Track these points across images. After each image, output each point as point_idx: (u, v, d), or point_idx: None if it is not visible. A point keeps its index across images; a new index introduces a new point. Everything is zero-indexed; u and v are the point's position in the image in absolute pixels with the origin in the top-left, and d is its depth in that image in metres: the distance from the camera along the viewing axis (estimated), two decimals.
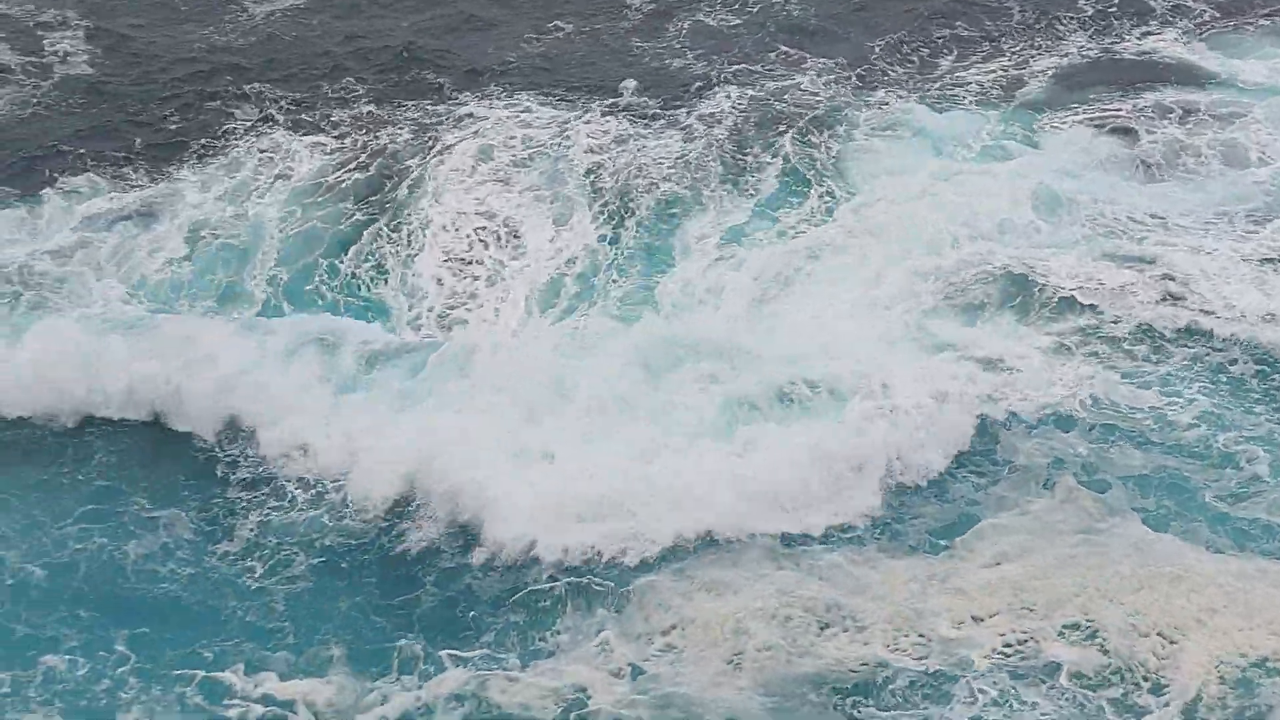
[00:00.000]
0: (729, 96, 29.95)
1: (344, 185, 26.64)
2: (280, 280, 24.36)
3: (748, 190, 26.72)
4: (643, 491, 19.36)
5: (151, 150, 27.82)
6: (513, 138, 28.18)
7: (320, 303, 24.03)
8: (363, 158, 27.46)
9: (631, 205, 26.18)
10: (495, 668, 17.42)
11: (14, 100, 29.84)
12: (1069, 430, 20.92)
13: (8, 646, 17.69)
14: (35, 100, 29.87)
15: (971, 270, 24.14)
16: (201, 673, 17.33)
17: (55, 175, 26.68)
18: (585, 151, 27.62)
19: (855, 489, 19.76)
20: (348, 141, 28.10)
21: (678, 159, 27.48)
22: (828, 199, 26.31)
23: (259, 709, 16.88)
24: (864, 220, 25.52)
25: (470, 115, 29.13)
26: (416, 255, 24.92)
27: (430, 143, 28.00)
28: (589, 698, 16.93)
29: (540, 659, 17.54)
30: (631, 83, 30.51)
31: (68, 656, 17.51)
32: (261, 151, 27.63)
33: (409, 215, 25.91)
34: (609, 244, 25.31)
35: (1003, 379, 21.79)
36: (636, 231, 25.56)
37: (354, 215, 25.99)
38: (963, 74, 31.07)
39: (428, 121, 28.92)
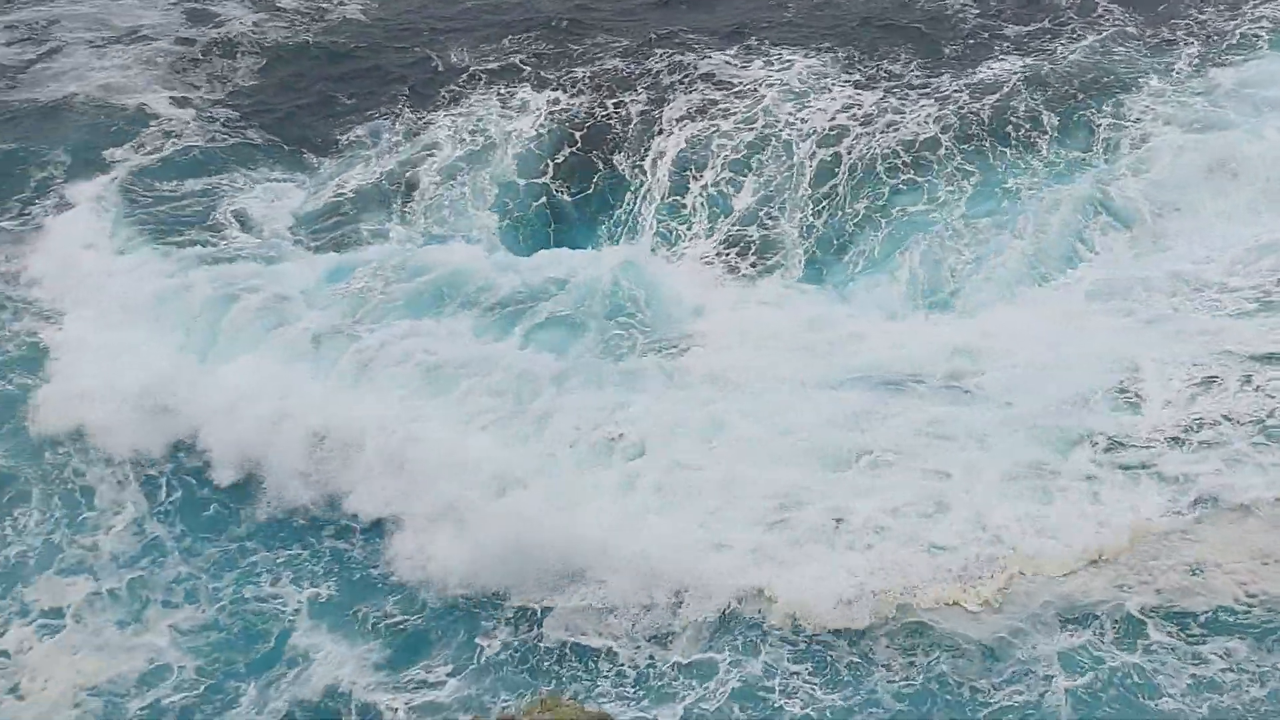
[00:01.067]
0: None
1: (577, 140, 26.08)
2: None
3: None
4: None
5: (406, 98, 27.94)
6: (748, 103, 26.85)
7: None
8: (597, 113, 26.78)
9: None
10: None
11: (287, 41, 30.39)
12: None
13: None
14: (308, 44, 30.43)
15: None
16: None
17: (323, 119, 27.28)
18: (827, 121, 26.07)
19: None
20: (582, 99, 27.35)
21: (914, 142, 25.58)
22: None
23: None
24: None
25: (710, 75, 27.96)
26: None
27: (664, 102, 26.98)
28: None
29: None
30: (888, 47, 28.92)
31: None
32: (503, 104, 27.28)
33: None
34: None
35: None
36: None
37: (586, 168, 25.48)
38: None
39: (668, 80, 27.87)
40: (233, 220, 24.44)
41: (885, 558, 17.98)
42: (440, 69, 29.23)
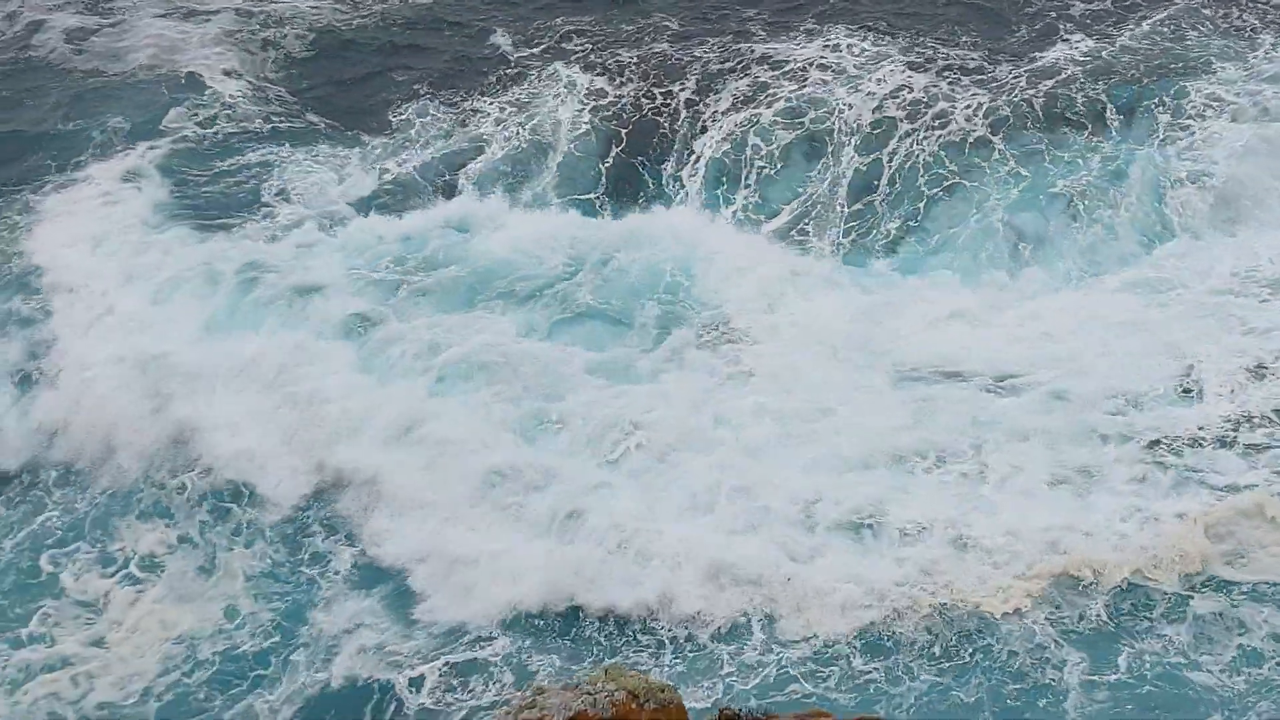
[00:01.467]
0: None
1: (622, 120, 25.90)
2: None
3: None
4: None
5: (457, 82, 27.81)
6: (796, 87, 26.32)
7: None
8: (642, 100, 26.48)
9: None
10: None
11: (344, 18, 30.45)
12: None
13: None
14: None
15: None
16: None
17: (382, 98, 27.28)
18: (872, 109, 25.45)
19: None
20: (628, 88, 27.00)
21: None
22: None
23: None
24: None
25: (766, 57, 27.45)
26: None
27: (719, 85, 26.61)
28: None
29: None
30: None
31: None
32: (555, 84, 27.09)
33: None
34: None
35: None
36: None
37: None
38: None
39: (719, 65, 27.43)
40: (276, 200, 24.43)
41: (923, 558, 17.58)
42: (493, 51, 28.96)
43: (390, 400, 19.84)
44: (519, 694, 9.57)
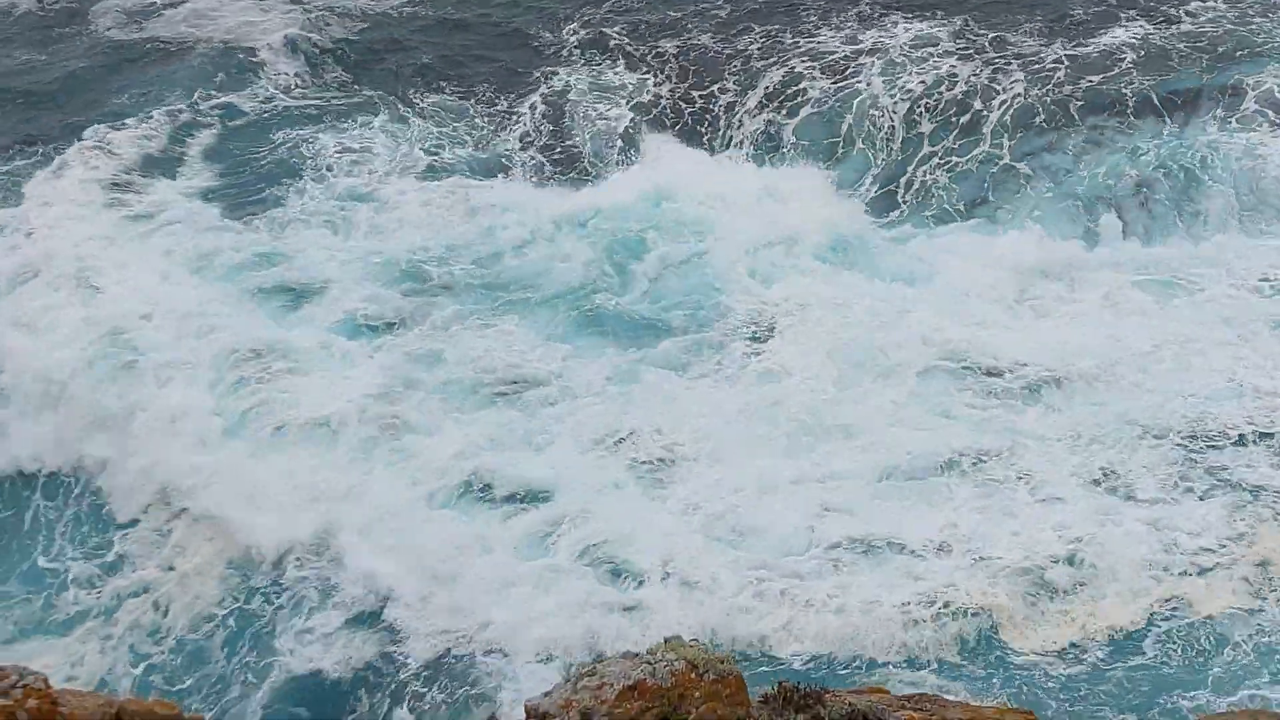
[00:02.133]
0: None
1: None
2: None
3: None
4: None
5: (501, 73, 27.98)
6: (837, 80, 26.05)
7: None
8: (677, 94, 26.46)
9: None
10: None
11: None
12: None
13: None
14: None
15: None
16: None
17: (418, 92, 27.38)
18: (891, 95, 25.07)
19: None
20: (663, 87, 26.91)
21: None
22: None
23: None
24: None
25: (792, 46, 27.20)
26: None
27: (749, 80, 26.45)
28: None
29: None
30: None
31: None
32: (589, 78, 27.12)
33: None
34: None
35: None
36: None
37: None
38: None
39: (749, 63, 27.19)
40: (309, 183, 24.53)
41: (952, 578, 16.83)
42: (538, 41, 28.95)
43: None
44: (581, 663, 9.55)
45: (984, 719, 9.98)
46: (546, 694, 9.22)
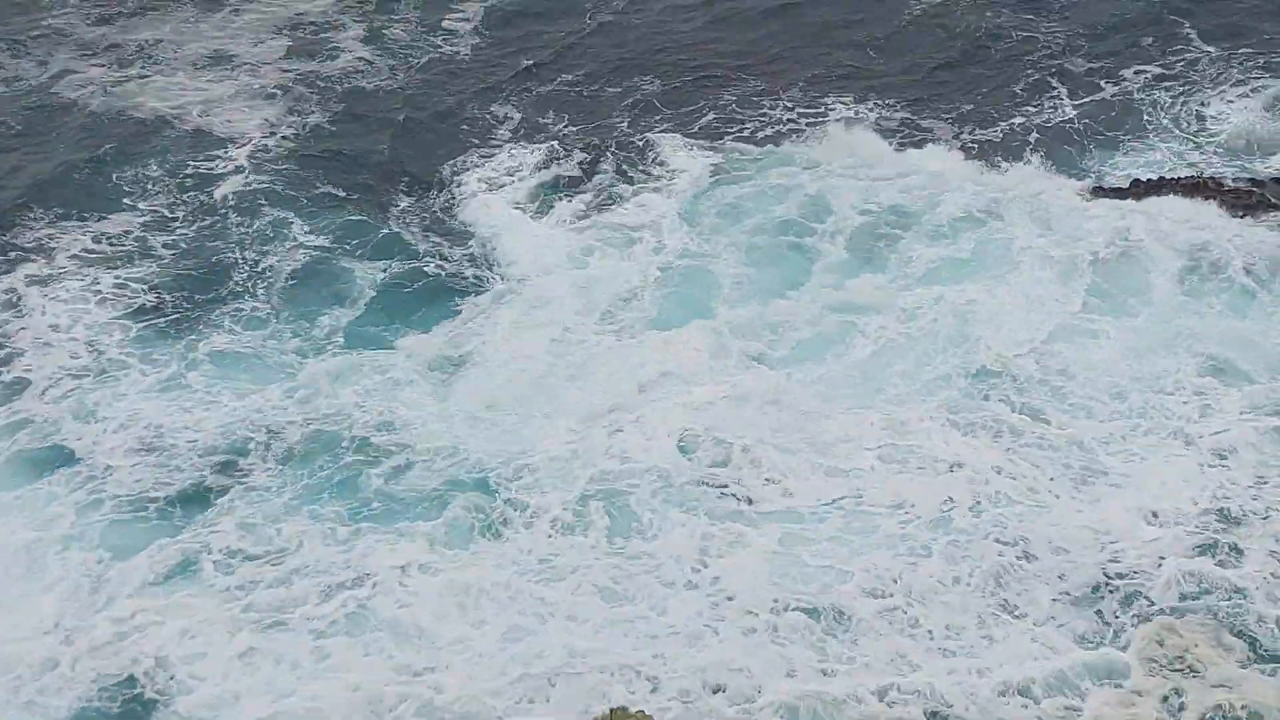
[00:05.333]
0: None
1: None
2: None
3: None
4: None
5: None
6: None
7: None
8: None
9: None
10: None
11: (381, 82, 31.10)
12: None
13: None
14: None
15: None
16: None
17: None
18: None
19: None
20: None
21: None
22: None
23: None
24: None
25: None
26: None
27: None
28: None
29: None
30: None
31: None
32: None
33: None
34: None
35: None
36: None
37: None
38: None
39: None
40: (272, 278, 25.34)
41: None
42: (528, 120, 29.64)
43: None
44: None
45: None
46: None
